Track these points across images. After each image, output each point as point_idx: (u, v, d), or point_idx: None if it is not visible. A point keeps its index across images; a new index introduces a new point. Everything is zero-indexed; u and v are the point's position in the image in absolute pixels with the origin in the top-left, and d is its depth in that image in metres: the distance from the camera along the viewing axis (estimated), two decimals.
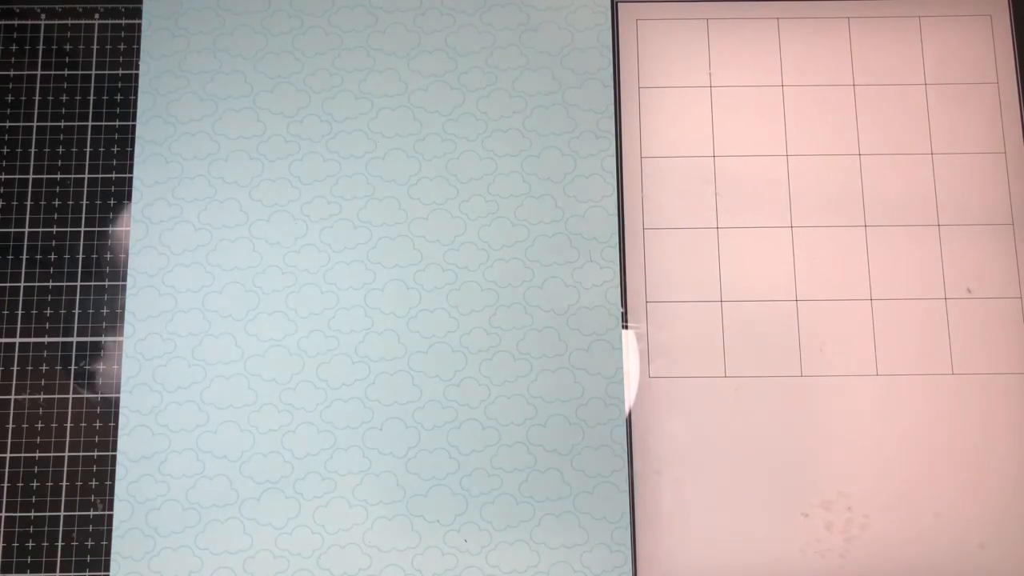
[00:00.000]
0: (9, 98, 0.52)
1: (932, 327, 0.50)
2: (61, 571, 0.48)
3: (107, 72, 0.53)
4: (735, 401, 0.49)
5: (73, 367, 0.50)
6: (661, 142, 0.52)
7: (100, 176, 0.52)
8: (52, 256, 0.51)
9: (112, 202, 0.51)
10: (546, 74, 0.52)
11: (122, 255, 0.51)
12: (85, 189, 0.51)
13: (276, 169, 0.51)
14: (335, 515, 0.47)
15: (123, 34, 0.53)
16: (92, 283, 0.50)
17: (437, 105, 0.51)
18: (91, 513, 0.48)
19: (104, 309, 0.50)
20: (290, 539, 0.47)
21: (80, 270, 0.51)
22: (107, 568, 0.48)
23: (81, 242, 0.51)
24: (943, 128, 0.52)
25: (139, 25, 0.53)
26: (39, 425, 0.49)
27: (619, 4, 0.53)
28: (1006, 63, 0.52)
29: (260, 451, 0.48)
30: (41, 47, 0.53)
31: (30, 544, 0.48)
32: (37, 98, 0.52)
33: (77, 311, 0.50)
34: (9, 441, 0.49)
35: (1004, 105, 0.52)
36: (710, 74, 0.52)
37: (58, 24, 0.53)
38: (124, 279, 0.50)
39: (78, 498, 0.48)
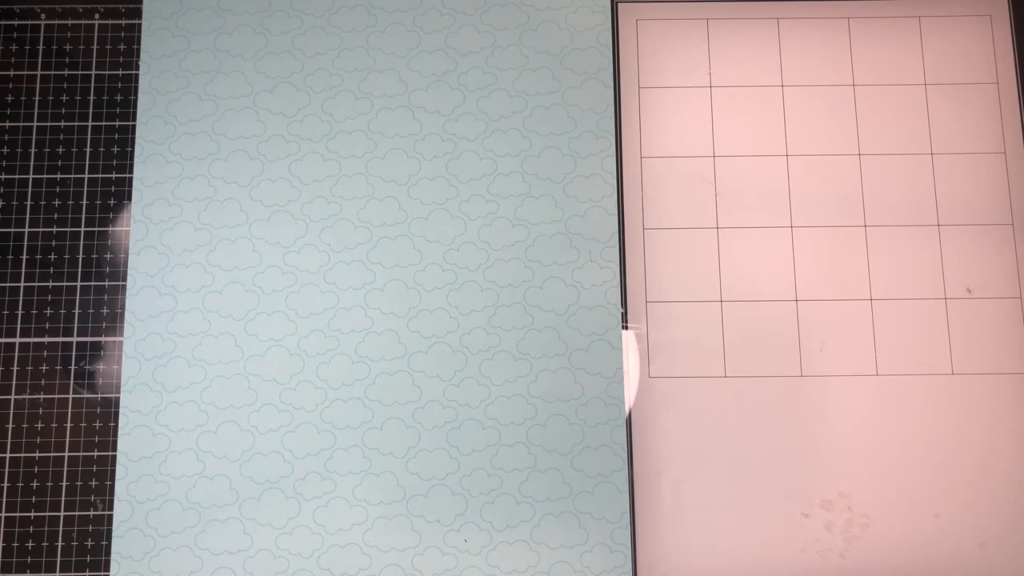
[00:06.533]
0: (9, 98, 0.52)
1: (932, 327, 0.50)
2: (61, 571, 0.48)
3: (107, 72, 0.53)
4: (735, 401, 0.49)
5: (73, 367, 0.50)
6: (661, 142, 0.52)
7: (100, 176, 0.52)
8: (52, 256, 0.51)
9: (112, 202, 0.51)
10: (546, 74, 0.52)
11: (122, 255, 0.51)
12: (85, 189, 0.51)
13: (276, 169, 0.51)
14: (335, 515, 0.47)
15: (123, 34, 0.53)
16: (92, 283, 0.50)
17: (437, 105, 0.51)
18: (91, 513, 0.48)
19: (104, 309, 0.50)
20: (290, 539, 0.47)
21: (80, 270, 0.51)
22: (107, 568, 0.48)
23: (81, 242, 0.51)
24: (943, 128, 0.52)
25: (139, 25, 0.53)
26: (39, 425, 0.49)
27: (619, 4, 0.53)
28: (1006, 63, 0.52)
29: (260, 451, 0.48)
30: (41, 47, 0.53)
31: (30, 544, 0.48)
32: (37, 98, 0.52)
33: (77, 311, 0.50)
34: (9, 441, 0.49)
35: (1004, 105, 0.52)
36: (710, 74, 0.52)
37: (58, 24, 0.53)
38: (124, 279, 0.50)
39: (78, 498, 0.48)
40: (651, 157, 0.51)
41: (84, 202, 0.51)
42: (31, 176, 0.52)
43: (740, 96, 0.52)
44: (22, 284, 0.50)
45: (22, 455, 0.49)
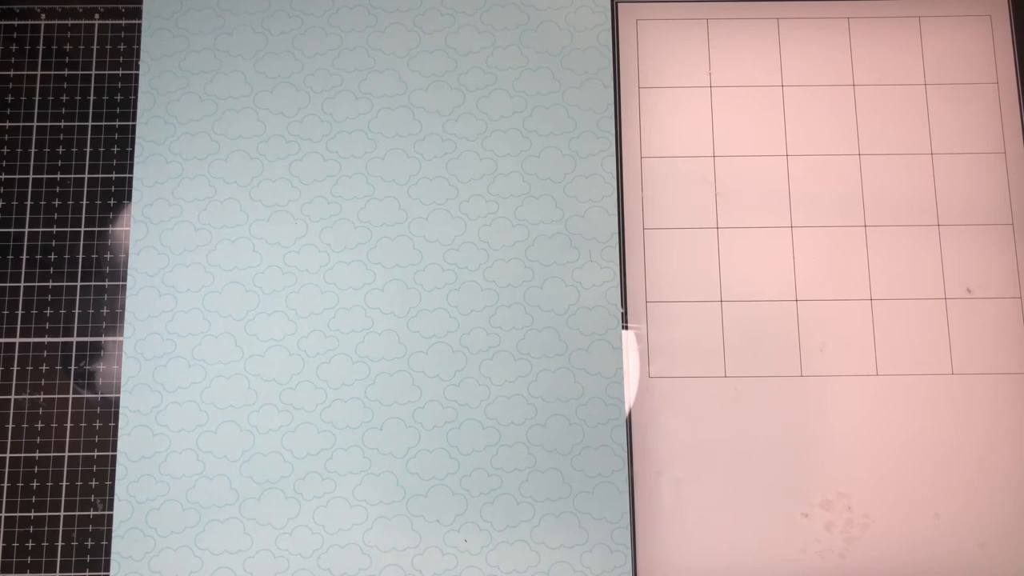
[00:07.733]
0: (9, 98, 0.52)
1: (932, 327, 0.50)
2: (61, 571, 0.48)
3: (107, 72, 0.53)
4: (735, 401, 0.49)
5: (73, 367, 0.50)
6: (661, 142, 0.52)
7: (100, 176, 0.52)
8: (52, 256, 0.51)
9: (112, 202, 0.51)
10: (546, 74, 0.52)
11: (122, 255, 0.51)
12: (85, 189, 0.51)
13: (276, 169, 0.51)
14: (335, 515, 0.47)
15: (123, 34, 0.53)
16: (92, 283, 0.50)
17: (437, 105, 0.51)
18: (91, 513, 0.48)
19: (104, 309, 0.50)
20: (290, 539, 0.47)
21: (80, 270, 0.51)
22: (107, 568, 0.48)
23: (81, 242, 0.51)
24: (943, 128, 0.52)
25: (139, 25, 0.53)
26: (39, 425, 0.49)
27: (619, 4, 0.53)
28: (1006, 63, 0.52)
29: (260, 451, 0.48)
30: (41, 47, 0.53)
31: (30, 544, 0.48)
32: (37, 98, 0.52)
33: (77, 311, 0.50)
34: (9, 441, 0.49)
35: (1004, 105, 0.52)
36: (710, 74, 0.52)
37: (58, 24, 0.53)
38: (124, 279, 0.50)
39: (78, 498, 0.48)
40: (651, 157, 0.51)
41: (84, 202, 0.51)
42: (31, 176, 0.52)
43: (740, 96, 0.52)
44: (22, 284, 0.50)
45: (22, 455, 0.49)
